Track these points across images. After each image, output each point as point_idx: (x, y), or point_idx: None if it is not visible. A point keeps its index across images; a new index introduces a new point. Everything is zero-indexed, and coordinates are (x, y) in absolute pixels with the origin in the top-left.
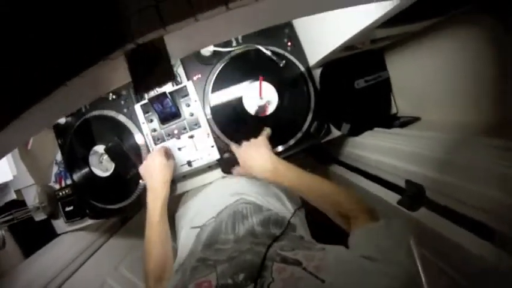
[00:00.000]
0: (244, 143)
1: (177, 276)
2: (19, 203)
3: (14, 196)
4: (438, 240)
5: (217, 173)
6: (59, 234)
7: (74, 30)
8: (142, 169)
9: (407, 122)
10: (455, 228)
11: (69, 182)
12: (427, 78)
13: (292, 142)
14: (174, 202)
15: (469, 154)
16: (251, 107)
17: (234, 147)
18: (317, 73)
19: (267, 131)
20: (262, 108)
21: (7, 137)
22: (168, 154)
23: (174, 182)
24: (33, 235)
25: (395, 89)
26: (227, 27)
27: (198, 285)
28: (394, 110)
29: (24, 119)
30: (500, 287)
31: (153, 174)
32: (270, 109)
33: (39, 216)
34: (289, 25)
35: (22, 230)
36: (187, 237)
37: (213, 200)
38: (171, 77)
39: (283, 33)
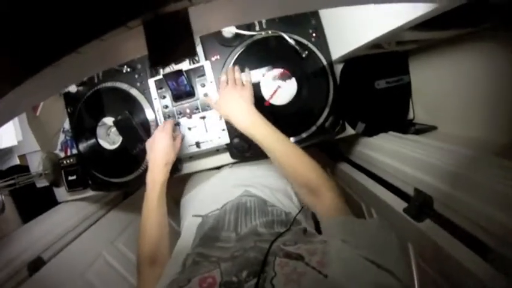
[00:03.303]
0: (231, 84)
1: (177, 269)
2: (22, 168)
3: (17, 161)
4: (439, 255)
5: (225, 157)
6: (60, 203)
7: None
8: (148, 146)
9: (423, 130)
10: (458, 244)
11: (74, 151)
12: (449, 89)
13: (304, 135)
14: (179, 188)
15: (483, 173)
16: (268, 95)
17: (222, 83)
18: (338, 68)
19: (247, 75)
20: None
21: (16, 98)
22: (176, 132)
23: (181, 161)
24: (34, 201)
25: (415, 94)
26: (256, 6)
27: (202, 280)
28: (410, 116)
29: (35, 80)
30: None
31: (156, 154)
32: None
33: (42, 183)
34: (316, 16)
35: (23, 196)
36: (189, 226)
37: (219, 190)
38: (193, 53)
39: (309, 23)
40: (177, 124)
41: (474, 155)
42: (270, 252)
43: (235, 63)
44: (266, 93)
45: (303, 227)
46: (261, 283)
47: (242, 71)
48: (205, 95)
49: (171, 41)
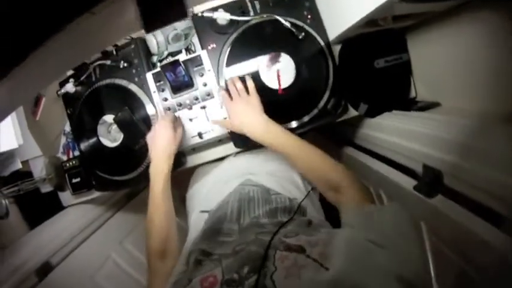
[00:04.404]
0: (236, 97)
1: (182, 268)
2: (26, 174)
3: (19, 165)
4: (453, 229)
5: (229, 147)
6: (65, 207)
7: None
8: (149, 139)
9: (426, 107)
10: (471, 216)
11: (77, 153)
12: (449, 64)
13: (306, 119)
14: (184, 181)
15: (491, 140)
16: (267, 80)
17: (226, 98)
18: (336, 49)
19: (250, 82)
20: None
21: (22, 77)
22: (176, 123)
23: (184, 154)
24: (40, 207)
25: (416, 72)
26: None
27: (203, 280)
28: (413, 94)
29: (37, 57)
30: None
31: (158, 146)
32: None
33: (46, 188)
34: None
35: (28, 202)
36: (196, 222)
37: (222, 182)
38: (185, 13)
39: (303, 5)
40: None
41: (480, 125)
42: (271, 245)
43: (231, 51)
44: (273, 83)
45: (308, 219)
46: (261, 279)
47: (242, 79)
48: (205, 84)
49: (161, 5)
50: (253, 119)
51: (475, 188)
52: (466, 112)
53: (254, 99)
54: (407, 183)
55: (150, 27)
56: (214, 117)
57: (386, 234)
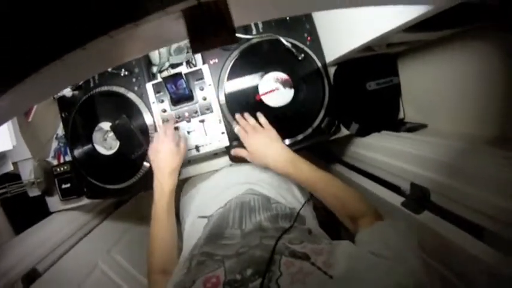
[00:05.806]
0: (251, 131)
1: (183, 271)
2: (14, 177)
3: (11, 167)
4: (441, 244)
5: (224, 160)
6: (52, 212)
7: None
8: (151, 153)
9: (414, 128)
10: (457, 231)
11: (68, 158)
12: (437, 88)
13: (300, 137)
14: (178, 186)
15: (475, 161)
16: (266, 98)
17: (242, 132)
18: (331, 71)
19: (262, 118)
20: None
21: (21, 94)
22: (178, 138)
23: None
24: (26, 211)
25: (405, 95)
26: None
27: (206, 280)
28: (401, 115)
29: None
30: None
31: (161, 162)
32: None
33: (34, 192)
34: (310, 20)
35: (14, 206)
36: (193, 227)
37: (221, 188)
38: (235, 39)
39: (303, 27)
40: (176, 128)
41: (465, 147)
42: (275, 250)
43: (233, 67)
44: (261, 89)
45: (307, 227)
46: (266, 283)
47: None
48: (204, 98)
49: (211, 29)
50: (276, 151)
51: (460, 204)
52: (451, 134)
53: (272, 132)
54: (396, 200)
55: (197, 50)
56: (236, 150)
57: (388, 246)
